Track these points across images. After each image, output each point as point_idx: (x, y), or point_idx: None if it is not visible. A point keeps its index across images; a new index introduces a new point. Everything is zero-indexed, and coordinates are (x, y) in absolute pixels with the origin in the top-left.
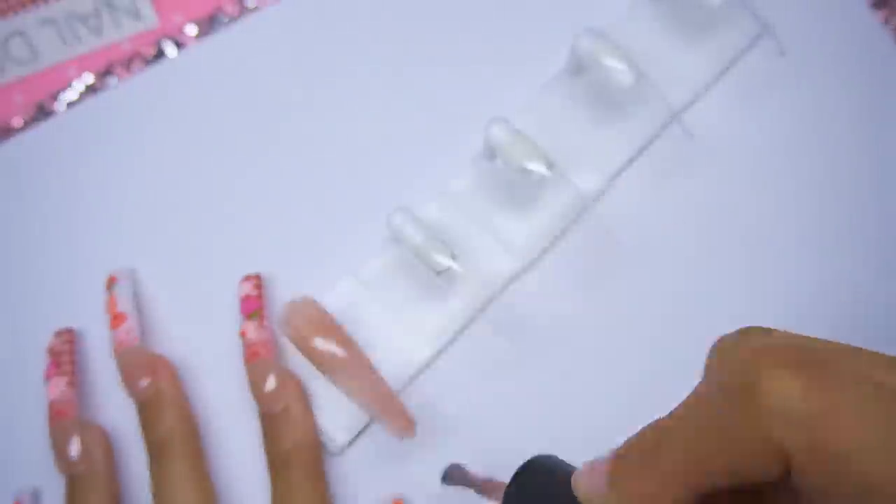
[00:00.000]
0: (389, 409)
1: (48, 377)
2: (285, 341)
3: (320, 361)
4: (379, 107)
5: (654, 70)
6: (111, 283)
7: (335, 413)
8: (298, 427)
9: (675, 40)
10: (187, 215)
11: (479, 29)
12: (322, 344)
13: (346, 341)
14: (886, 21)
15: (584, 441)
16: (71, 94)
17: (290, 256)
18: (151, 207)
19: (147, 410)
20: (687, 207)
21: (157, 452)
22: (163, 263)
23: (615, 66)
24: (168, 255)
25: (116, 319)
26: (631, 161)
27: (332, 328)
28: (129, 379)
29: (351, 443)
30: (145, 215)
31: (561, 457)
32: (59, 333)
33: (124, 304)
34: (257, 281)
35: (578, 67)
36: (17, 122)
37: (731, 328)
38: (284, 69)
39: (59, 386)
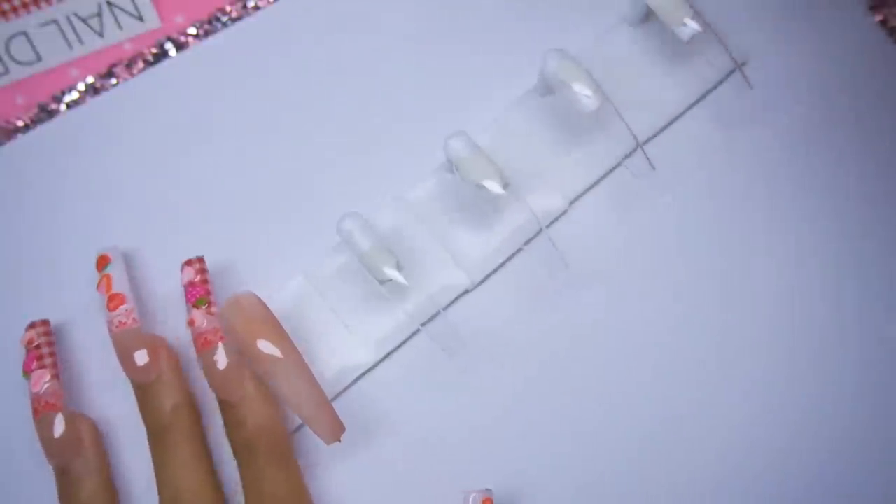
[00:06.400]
0: (319, 415)
1: (29, 370)
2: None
3: (257, 360)
4: (369, 107)
5: (626, 96)
6: (103, 262)
7: None
8: (259, 412)
9: (650, 66)
10: (188, 215)
11: (461, 42)
12: (260, 343)
13: (283, 342)
14: (884, 23)
15: (528, 457)
16: (73, 95)
17: (256, 252)
18: (151, 207)
19: (147, 393)
20: (643, 236)
21: (158, 435)
22: (164, 263)
23: (580, 90)
24: (169, 255)
25: (114, 301)
26: (592, 185)
27: (270, 327)
28: (127, 361)
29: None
30: (145, 215)
31: (497, 470)
32: (33, 325)
33: (121, 285)
34: (200, 265)
35: (547, 88)
36: (19, 122)
37: (678, 349)
38: (284, 69)
39: (43, 379)
